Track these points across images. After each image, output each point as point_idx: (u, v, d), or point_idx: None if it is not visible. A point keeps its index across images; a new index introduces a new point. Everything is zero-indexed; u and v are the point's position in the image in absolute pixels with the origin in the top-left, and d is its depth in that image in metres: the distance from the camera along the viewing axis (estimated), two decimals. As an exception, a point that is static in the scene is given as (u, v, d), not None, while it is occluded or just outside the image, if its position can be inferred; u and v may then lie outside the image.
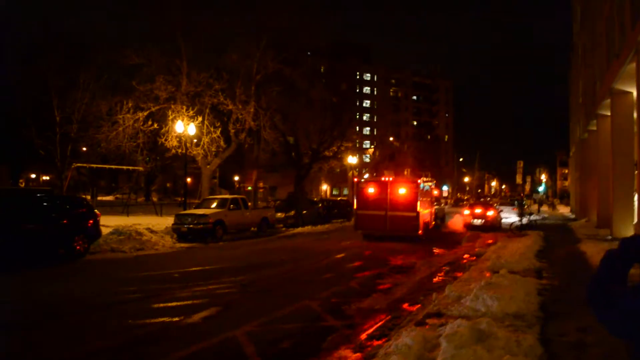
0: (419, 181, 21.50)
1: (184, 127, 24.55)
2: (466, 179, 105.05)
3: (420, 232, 20.88)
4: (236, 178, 58.95)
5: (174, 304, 9.06)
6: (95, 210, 16.58)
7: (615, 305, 1.66)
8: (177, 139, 25.98)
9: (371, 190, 20.91)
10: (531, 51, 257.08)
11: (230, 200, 22.79)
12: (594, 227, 25.71)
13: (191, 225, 20.25)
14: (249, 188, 43.31)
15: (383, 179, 21.54)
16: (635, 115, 19.71)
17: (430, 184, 24.83)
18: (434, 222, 25.88)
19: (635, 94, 18.16)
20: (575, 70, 45.02)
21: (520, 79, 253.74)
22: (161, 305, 8.99)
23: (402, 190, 20.55)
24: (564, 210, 61.16)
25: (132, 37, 28.10)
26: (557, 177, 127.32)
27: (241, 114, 27.71)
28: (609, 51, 22.23)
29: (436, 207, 27.87)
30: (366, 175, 52.87)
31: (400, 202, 20.50)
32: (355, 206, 21.54)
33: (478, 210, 29.26)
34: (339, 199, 46.95)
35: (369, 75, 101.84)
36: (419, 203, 20.59)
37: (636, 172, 19.62)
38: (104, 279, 11.97)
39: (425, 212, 22.17)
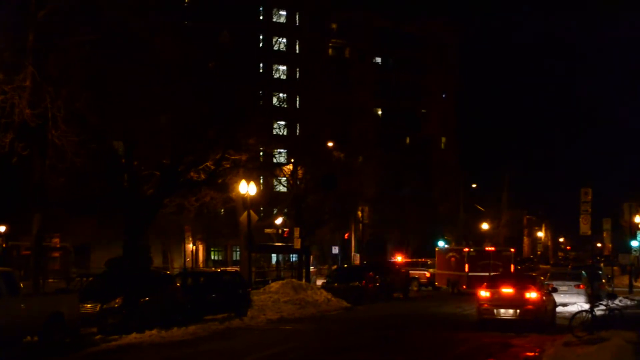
0: (512, 250, 67.02)
1: None
2: (484, 226, 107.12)
3: None
4: (1, 230, 57.65)
5: None
6: None
7: None
8: None
9: (478, 257, 59.29)
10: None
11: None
12: None
13: None
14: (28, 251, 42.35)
15: (487, 248, 66.18)
16: None
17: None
18: None
19: None
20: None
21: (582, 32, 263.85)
22: None
23: (501, 256, 60.52)
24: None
25: None
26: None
27: (5, 92, 27.33)
28: None
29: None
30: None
31: (500, 266, 56.39)
32: (467, 269, 57.47)
33: (506, 290, 29.84)
34: (220, 270, 46.54)
35: (284, 13, 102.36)
36: (513, 266, 61.92)
37: None
38: None
39: None
